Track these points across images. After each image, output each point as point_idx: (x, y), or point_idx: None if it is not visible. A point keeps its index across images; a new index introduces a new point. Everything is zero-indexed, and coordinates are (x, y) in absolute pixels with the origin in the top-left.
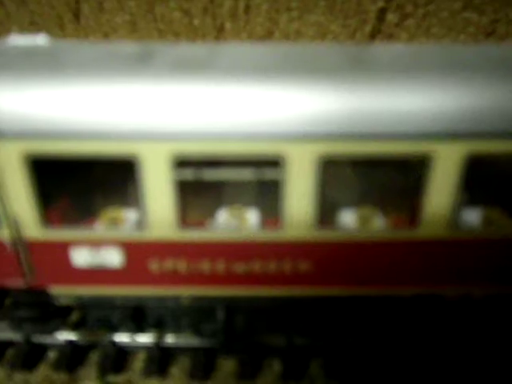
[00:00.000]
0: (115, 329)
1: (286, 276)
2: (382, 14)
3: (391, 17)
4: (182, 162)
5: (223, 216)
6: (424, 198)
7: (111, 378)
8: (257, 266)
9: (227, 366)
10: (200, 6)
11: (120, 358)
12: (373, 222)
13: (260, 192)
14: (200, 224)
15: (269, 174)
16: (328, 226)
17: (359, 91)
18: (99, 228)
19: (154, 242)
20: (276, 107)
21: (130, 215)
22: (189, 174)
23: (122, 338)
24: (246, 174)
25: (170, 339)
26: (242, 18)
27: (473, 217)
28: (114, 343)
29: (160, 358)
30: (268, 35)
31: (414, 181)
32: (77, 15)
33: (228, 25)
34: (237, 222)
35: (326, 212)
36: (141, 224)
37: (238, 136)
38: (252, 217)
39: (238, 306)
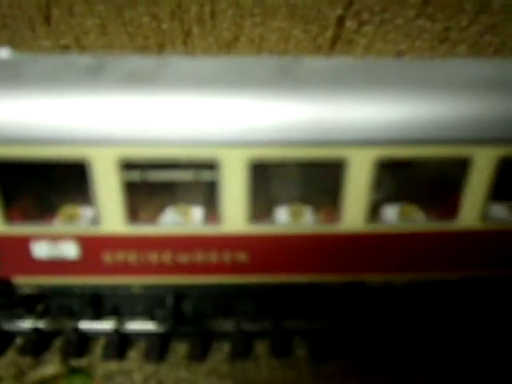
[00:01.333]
0: (76, 316)
1: (226, 266)
2: (341, 20)
3: (350, 23)
4: (128, 165)
5: (170, 213)
6: (343, 196)
7: (74, 361)
8: (200, 257)
9: (180, 348)
10: (167, 11)
11: (82, 343)
12: (303, 217)
13: (204, 191)
14: (150, 220)
15: (206, 175)
16: (262, 221)
17: (284, 101)
18: (57, 223)
19: (107, 235)
20: (211, 116)
21: (85, 212)
22: (135, 175)
23: (83, 324)
24: (186, 176)
25: (127, 325)
26: (208, 23)
27: (391, 212)
28: (76, 330)
29: (119, 343)
30: (234, 40)
31: (336, 181)
32: (48, 19)
33: (195, 29)
34: (182, 219)
35: (261, 208)
36: (95, 220)
37: (178, 142)
38: (196, 213)
39: (186, 293)
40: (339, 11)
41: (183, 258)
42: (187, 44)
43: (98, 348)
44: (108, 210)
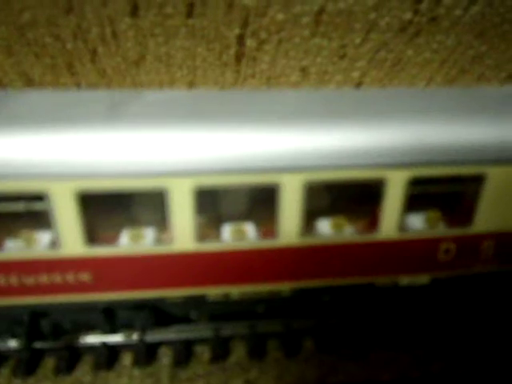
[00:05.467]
0: None
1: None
2: (240, 39)
3: (250, 42)
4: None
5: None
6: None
7: None
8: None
9: (49, 363)
10: (69, 32)
11: None
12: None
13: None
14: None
15: (38, 205)
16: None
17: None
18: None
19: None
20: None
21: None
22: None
23: None
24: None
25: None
26: (112, 42)
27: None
28: None
29: None
30: (141, 58)
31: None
32: None
33: (100, 49)
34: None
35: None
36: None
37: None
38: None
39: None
40: (237, 31)
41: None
42: (95, 62)
43: None
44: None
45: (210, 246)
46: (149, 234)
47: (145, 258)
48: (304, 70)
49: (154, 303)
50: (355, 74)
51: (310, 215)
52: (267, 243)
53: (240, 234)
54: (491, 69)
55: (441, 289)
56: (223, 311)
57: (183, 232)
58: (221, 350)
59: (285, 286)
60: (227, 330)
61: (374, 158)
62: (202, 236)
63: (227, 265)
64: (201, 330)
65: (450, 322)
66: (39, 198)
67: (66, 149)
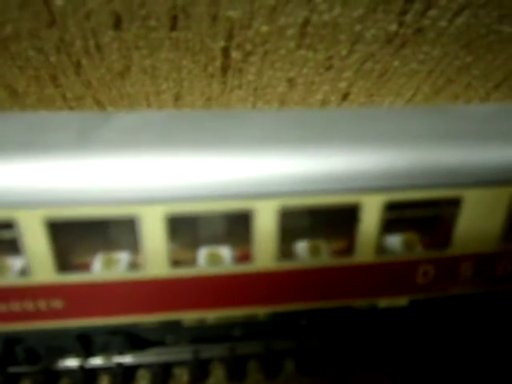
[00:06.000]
0: None
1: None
2: (225, 51)
3: (235, 54)
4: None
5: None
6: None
7: None
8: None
9: None
10: (52, 45)
11: None
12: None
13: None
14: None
15: (7, 233)
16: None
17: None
18: None
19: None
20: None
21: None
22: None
23: None
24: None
25: None
26: (96, 55)
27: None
28: None
29: None
30: (126, 70)
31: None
32: None
33: (84, 61)
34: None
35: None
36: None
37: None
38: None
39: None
40: (222, 43)
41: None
42: (80, 74)
43: None
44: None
45: (185, 271)
46: (122, 260)
47: (118, 284)
48: (291, 81)
49: (128, 329)
50: (342, 85)
51: (287, 239)
52: (243, 268)
53: (215, 259)
54: (478, 79)
55: (419, 311)
56: (199, 336)
57: (156, 258)
58: (199, 372)
59: (261, 310)
60: (206, 352)
61: (348, 182)
62: (175, 261)
63: (202, 289)
64: (179, 353)
65: (429, 343)
66: (9, 225)
67: (34, 176)
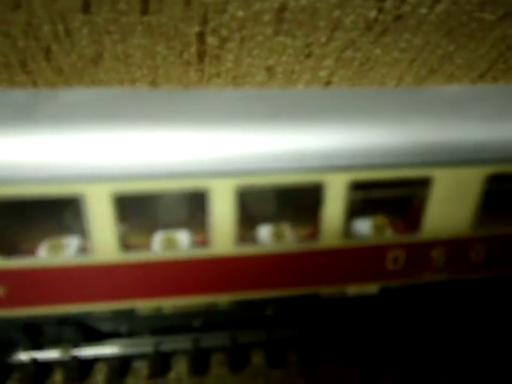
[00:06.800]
0: None
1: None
2: (201, 37)
3: (211, 40)
4: None
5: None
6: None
7: None
8: None
9: None
10: (19, 30)
11: None
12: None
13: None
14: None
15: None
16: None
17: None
18: None
19: None
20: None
21: None
22: None
23: None
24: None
25: None
26: (65, 40)
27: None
28: None
29: None
30: (98, 56)
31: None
32: None
33: (54, 47)
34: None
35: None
36: None
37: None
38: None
39: None
40: (197, 28)
41: None
42: (50, 60)
43: None
44: None
45: (137, 256)
46: (70, 245)
47: (65, 269)
48: (270, 70)
49: (80, 319)
50: (323, 73)
51: (248, 222)
52: (199, 252)
53: (171, 243)
54: (461, 68)
55: (391, 299)
56: (156, 326)
57: (104, 241)
58: (160, 365)
59: (222, 299)
60: (167, 344)
61: (311, 160)
62: (127, 245)
63: (157, 276)
64: (139, 345)
65: (401, 333)
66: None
67: None
